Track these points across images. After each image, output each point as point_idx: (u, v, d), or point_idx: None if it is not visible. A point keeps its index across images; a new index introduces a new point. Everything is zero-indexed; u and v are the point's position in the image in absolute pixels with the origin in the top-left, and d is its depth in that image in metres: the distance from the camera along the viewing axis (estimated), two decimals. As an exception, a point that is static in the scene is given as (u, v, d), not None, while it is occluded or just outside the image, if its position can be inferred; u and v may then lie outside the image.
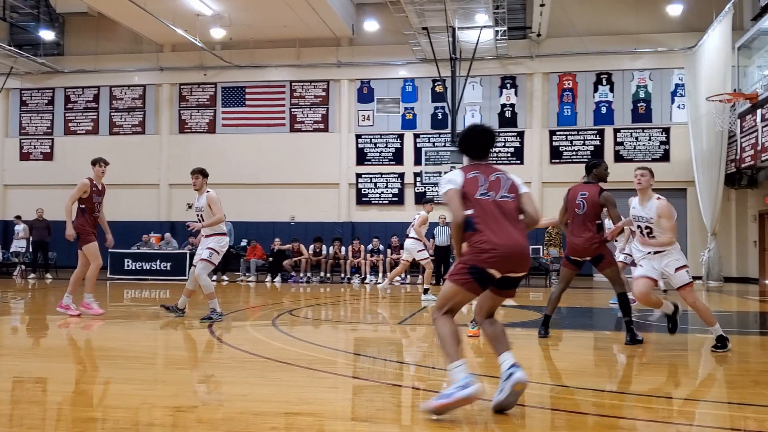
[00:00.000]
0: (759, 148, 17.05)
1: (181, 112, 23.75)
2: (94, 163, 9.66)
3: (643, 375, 5.87)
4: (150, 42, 23.20)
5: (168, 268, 18.60)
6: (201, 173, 9.23)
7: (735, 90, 15.37)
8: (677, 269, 6.45)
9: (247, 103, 23.20)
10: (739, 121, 18.23)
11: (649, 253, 6.59)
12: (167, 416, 4.03)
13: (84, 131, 24.09)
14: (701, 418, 4.27)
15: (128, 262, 18.86)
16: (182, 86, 23.79)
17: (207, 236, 8.98)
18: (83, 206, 9.43)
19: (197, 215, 9.11)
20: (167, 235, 20.11)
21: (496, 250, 4.20)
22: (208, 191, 9.08)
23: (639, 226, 6.65)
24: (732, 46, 16.53)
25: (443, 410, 3.98)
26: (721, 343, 6.56)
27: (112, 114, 23.97)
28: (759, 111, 16.41)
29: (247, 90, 23.29)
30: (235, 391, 4.73)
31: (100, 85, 24.05)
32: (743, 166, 18.58)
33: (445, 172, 18.73)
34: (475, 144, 4.66)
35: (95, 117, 24.08)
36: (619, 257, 10.89)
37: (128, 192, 22.30)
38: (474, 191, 4.39)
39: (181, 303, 9.18)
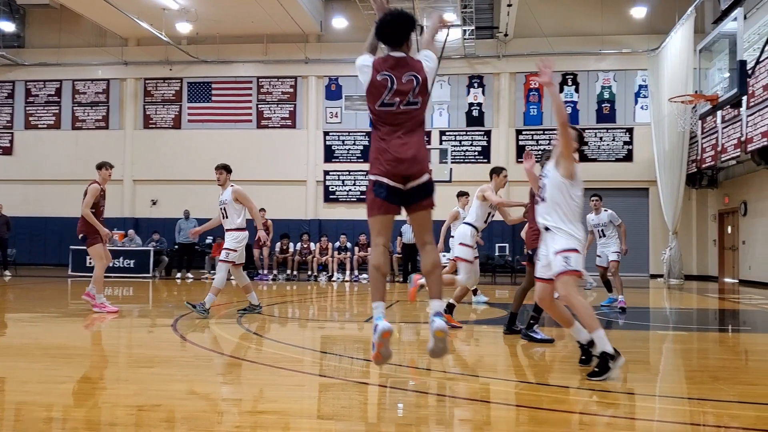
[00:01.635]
0: (719, 148, 17.43)
1: (146, 107, 23.43)
2: (99, 167, 9.92)
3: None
4: (114, 36, 22.85)
5: (132, 265, 18.33)
6: (225, 169, 9.55)
7: (696, 92, 15.66)
8: (557, 252, 5.12)
9: (214, 98, 22.98)
10: (700, 122, 18.61)
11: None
12: (129, 415, 3.97)
13: (45, 125, 23.64)
14: (662, 414, 4.34)
15: (90, 259, 18.52)
16: (147, 81, 23.47)
17: (228, 230, 9.25)
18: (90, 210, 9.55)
19: (221, 209, 9.34)
20: (131, 231, 19.80)
21: (387, 159, 4.32)
22: (232, 185, 9.34)
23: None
24: (694, 48, 16.85)
25: (377, 352, 4.27)
26: (600, 367, 4.95)
27: (74, 108, 23.56)
28: (719, 113, 16.77)
29: (214, 85, 23.07)
30: (198, 389, 4.68)
31: (63, 79, 23.62)
32: (704, 166, 18.98)
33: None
34: (389, 29, 4.48)
35: (57, 111, 23.64)
36: (612, 257, 10.98)
37: (91, 188, 21.94)
38: (377, 99, 4.38)
39: (253, 300, 9.46)
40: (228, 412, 4.06)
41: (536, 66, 4.88)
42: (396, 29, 4.48)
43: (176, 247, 19.17)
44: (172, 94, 23.32)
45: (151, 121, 23.37)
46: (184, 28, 20.77)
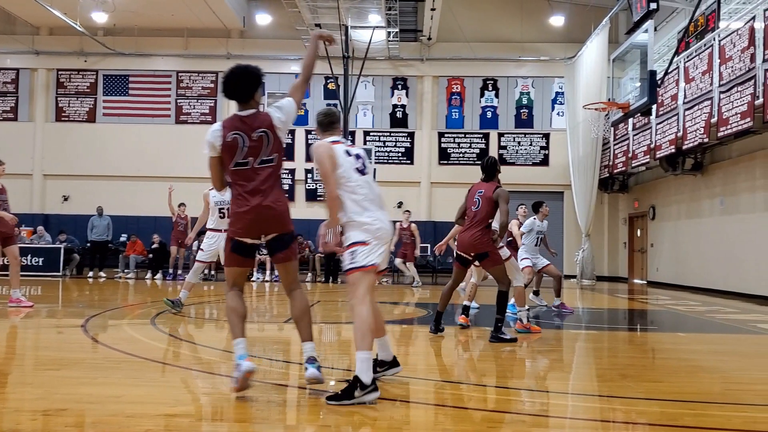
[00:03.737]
0: (630, 155, 18.16)
1: (59, 99, 22.49)
2: None
3: (520, 370, 6.09)
4: (24, 23, 21.82)
5: (40, 263, 17.56)
6: None
7: (609, 99, 16.26)
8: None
9: (131, 92, 22.28)
10: (612, 129, 19.35)
11: None
12: (32, 420, 3.78)
13: (-54, 115, 22.35)
14: (574, 411, 4.47)
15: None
16: (60, 72, 22.53)
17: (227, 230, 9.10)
18: None
19: (223, 209, 9.23)
20: (40, 228, 18.94)
21: (245, 218, 4.35)
22: None
23: None
24: (608, 58, 17.49)
25: (238, 386, 4.24)
26: (345, 391, 4.19)
27: (-21, 98, 22.36)
28: (630, 120, 17.47)
29: (131, 79, 22.36)
30: (108, 392, 4.50)
31: (-34, 67, 22.39)
32: (615, 171, 19.74)
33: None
34: (232, 86, 4.41)
35: (-40, 100, 22.39)
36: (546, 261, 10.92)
37: (-4, 182, 20.86)
38: (231, 159, 4.37)
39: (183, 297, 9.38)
40: (138, 415, 3.92)
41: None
42: (239, 86, 4.41)
43: (88, 245, 18.46)
44: (87, 86, 22.47)
45: (63, 114, 22.44)
46: (100, 18, 20.01)
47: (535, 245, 10.75)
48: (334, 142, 4.69)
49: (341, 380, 4.44)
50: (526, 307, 8.18)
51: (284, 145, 4.47)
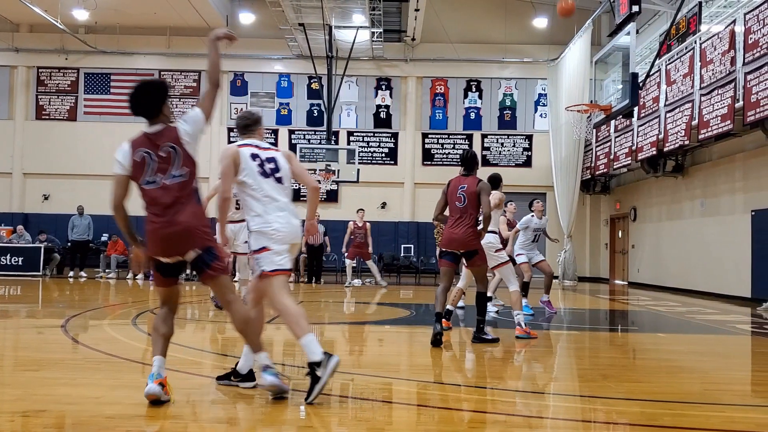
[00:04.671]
0: (612, 156, 18.30)
1: (39, 97, 22.26)
2: None
3: (501, 370, 6.11)
4: (4, 20, 21.59)
5: (20, 263, 17.38)
6: None
7: (591, 101, 16.38)
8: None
9: (113, 90, 22.11)
10: (594, 131, 19.48)
11: None
12: (10, 422, 3.73)
13: (-76, 113, 22.04)
14: (555, 411, 4.49)
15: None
16: (41, 69, 22.31)
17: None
18: None
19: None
20: (20, 227, 18.73)
21: (156, 237, 4.22)
22: None
23: None
24: (590, 60, 17.61)
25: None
26: (314, 381, 4.24)
27: (-43, 95, 22.08)
28: (612, 122, 17.60)
29: (113, 77, 22.18)
30: (87, 393, 4.46)
31: (-56, 63, 22.10)
32: (597, 173, 19.88)
33: (321, 170, 18.78)
34: (135, 103, 4.31)
35: (-63, 98, 22.09)
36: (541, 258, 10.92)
37: (-25, 180, 20.66)
38: (139, 177, 4.26)
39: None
40: (118, 416, 3.89)
41: None
42: (145, 101, 4.31)
43: (69, 244, 18.29)
44: (68, 84, 22.27)
45: (44, 112, 22.22)
46: (81, 15, 19.83)
47: (532, 241, 10.77)
48: (243, 145, 4.76)
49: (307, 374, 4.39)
50: (523, 311, 8.19)
51: (196, 158, 4.31)
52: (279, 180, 4.71)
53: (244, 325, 4.41)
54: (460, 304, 9.85)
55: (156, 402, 4.10)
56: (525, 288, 10.57)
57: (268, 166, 4.70)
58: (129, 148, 4.27)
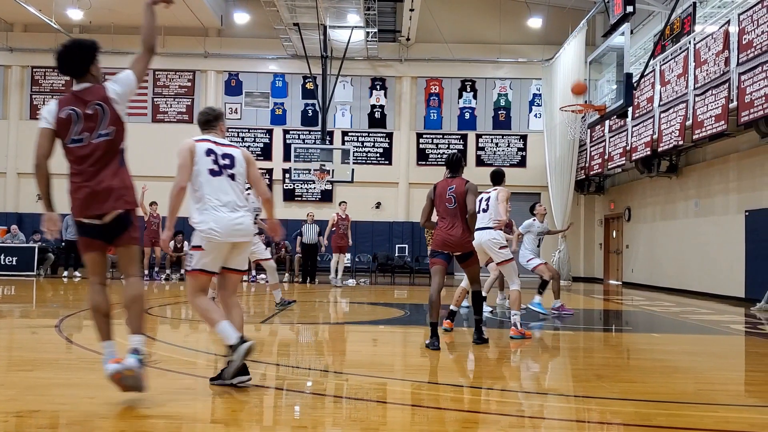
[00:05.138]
0: (606, 156, 18.33)
1: (33, 96, 22.21)
2: None
3: (496, 370, 6.11)
4: (-2, 19, 21.49)
5: (14, 262, 17.33)
6: None
7: (586, 102, 16.38)
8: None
9: (107, 90, 22.00)
10: (588, 131, 19.52)
11: None
12: (4, 422, 3.71)
13: None
14: (550, 411, 4.50)
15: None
16: (35, 69, 22.25)
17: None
18: None
19: (256, 217, 9.67)
20: (14, 227, 18.66)
21: (79, 195, 4.20)
22: None
23: None
24: (585, 60, 17.63)
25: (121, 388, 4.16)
26: (229, 363, 4.59)
27: (-49, 95, 22.00)
28: (607, 123, 17.64)
29: (107, 77, 22.04)
30: (81, 393, 4.45)
31: (-62, 63, 22.01)
32: (592, 173, 19.92)
33: (315, 170, 18.77)
34: (63, 61, 4.35)
35: (-69, 97, 22.00)
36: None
37: (-32, 180, 20.58)
38: (65, 136, 4.24)
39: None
40: (113, 416, 3.87)
41: None
42: (72, 60, 4.31)
43: (63, 244, 18.22)
44: (62, 84, 22.21)
45: (38, 112, 22.08)
46: (75, 15, 19.79)
47: (537, 246, 10.83)
48: (200, 140, 4.84)
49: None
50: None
51: (124, 119, 4.30)
52: (232, 177, 4.80)
53: (131, 302, 4.34)
54: (465, 304, 9.87)
55: (130, 382, 4.07)
56: (544, 286, 10.67)
57: (223, 162, 4.79)
58: (56, 106, 4.25)
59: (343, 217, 16.59)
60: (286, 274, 18.11)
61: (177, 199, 4.73)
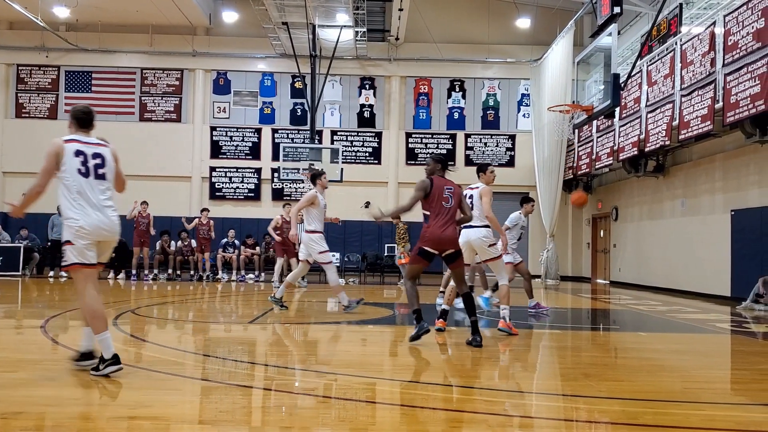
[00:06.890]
0: (593, 156, 18.41)
1: (19, 95, 22.03)
2: None
3: (484, 370, 6.11)
4: (-18, 16, 21.30)
5: (-1, 262, 17.18)
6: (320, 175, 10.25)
7: (574, 102, 16.46)
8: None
9: (94, 89, 21.89)
10: (576, 131, 19.60)
11: None
12: (-13, 425, 3.68)
13: None
14: (537, 410, 4.51)
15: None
16: (20, 67, 22.07)
17: (307, 231, 9.97)
18: None
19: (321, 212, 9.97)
20: (-2, 227, 18.51)
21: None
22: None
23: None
24: (573, 60, 17.70)
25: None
26: (95, 369, 4.96)
27: (-65, 93, 21.77)
28: (594, 123, 17.71)
29: (94, 75, 21.98)
30: (67, 394, 4.41)
31: None
32: (579, 173, 19.99)
33: (304, 170, 18.72)
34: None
35: None
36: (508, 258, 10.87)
37: (-47, 179, 20.38)
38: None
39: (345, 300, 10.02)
40: (98, 418, 3.84)
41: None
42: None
43: (49, 244, 18.09)
44: (48, 82, 22.05)
45: (24, 110, 21.98)
46: (62, 12, 19.64)
47: (517, 240, 10.79)
48: (69, 140, 5.04)
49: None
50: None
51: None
52: (101, 176, 5.03)
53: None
54: (458, 305, 9.90)
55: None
56: (497, 287, 10.58)
57: (93, 162, 5.01)
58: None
59: (288, 220, 15.70)
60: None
61: (31, 200, 5.25)
